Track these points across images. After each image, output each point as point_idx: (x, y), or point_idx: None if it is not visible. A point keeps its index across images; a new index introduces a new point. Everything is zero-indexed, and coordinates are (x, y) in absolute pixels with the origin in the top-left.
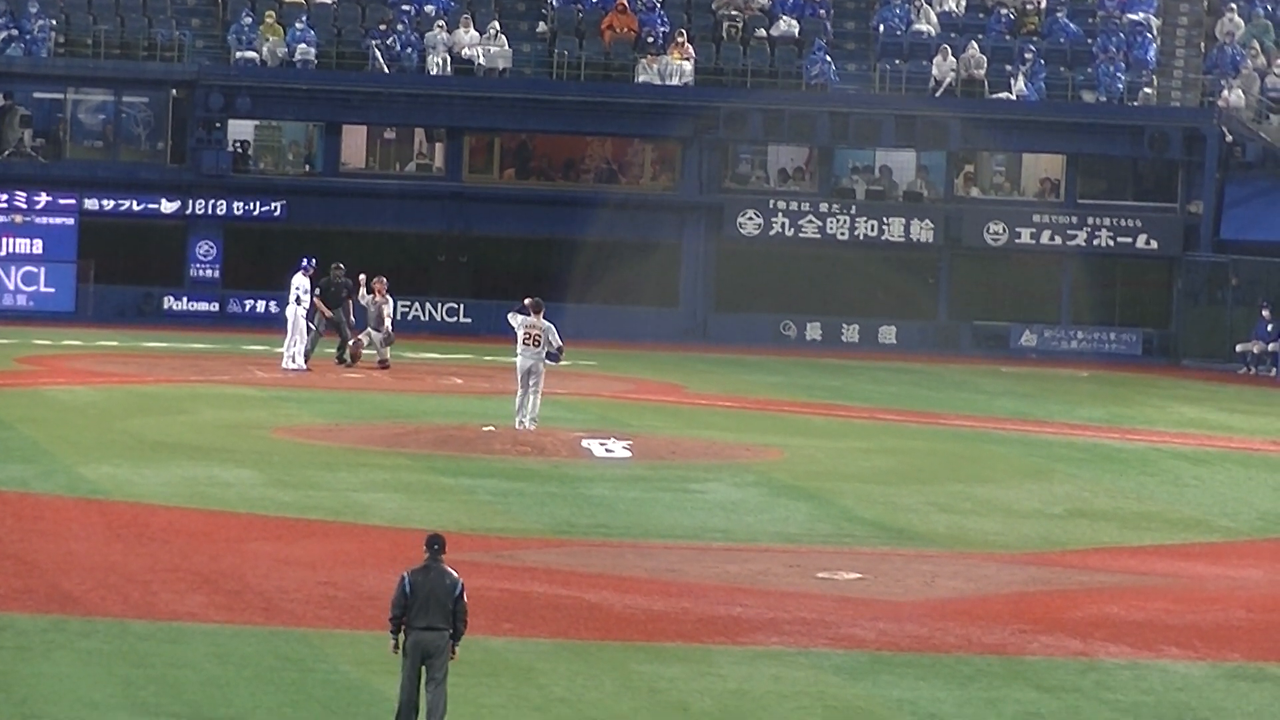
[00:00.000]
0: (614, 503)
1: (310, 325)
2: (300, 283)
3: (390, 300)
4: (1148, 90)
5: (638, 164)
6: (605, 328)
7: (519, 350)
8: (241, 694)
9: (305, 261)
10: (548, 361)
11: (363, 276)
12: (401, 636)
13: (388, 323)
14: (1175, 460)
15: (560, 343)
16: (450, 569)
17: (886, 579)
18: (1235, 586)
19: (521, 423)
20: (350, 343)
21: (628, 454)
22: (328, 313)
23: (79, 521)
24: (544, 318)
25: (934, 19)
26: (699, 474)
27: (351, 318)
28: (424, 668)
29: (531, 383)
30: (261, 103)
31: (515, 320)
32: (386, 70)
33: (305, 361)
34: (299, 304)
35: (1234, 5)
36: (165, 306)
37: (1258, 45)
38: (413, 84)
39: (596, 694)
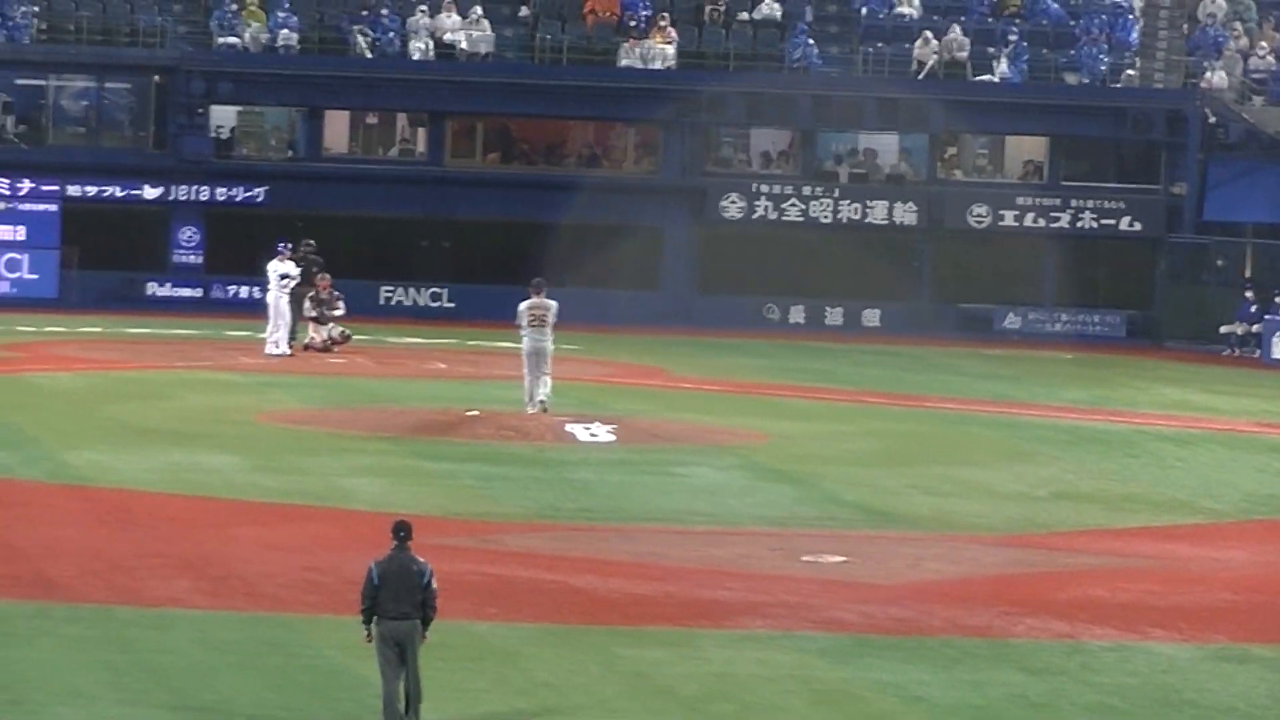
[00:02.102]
0: (598, 487)
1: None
2: (276, 268)
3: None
4: (1130, 72)
5: (620, 148)
6: (588, 311)
7: (524, 333)
8: (226, 680)
9: (280, 245)
10: None
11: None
12: (374, 626)
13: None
14: (1159, 442)
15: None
16: (417, 556)
17: (871, 562)
18: (1220, 568)
19: (535, 406)
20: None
21: (611, 438)
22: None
23: (63, 507)
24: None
25: (916, 2)
26: (682, 457)
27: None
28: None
29: (540, 365)
30: (244, 88)
31: (521, 307)
32: (369, 55)
33: (290, 346)
34: (281, 289)
35: None
36: (148, 292)
37: (1240, 26)
38: (395, 68)
39: (581, 678)
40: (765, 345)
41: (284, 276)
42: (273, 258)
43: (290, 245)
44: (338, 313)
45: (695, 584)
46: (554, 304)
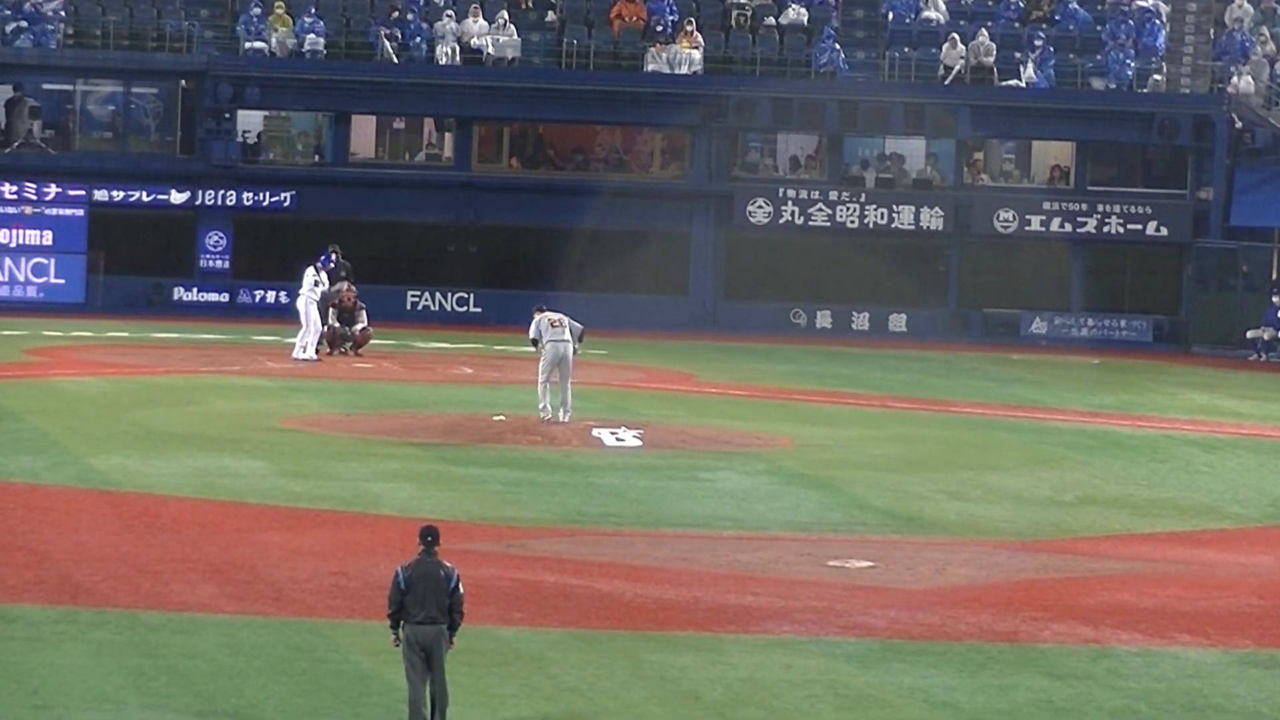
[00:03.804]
0: (624, 492)
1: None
2: (311, 274)
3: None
4: (1157, 77)
5: (647, 153)
6: (615, 317)
7: (546, 341)
8: (253, 684)
9: (324, 255)
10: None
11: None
12: (401, 631)
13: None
14: (1186, 447)
15: (581, 325)
16: (444, 561)
17: (897, 567)
18: (1247, 573)
19: (547, 411)
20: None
21: (638, 443)
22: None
23: (89, 512)
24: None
25: (943, 6)
26: (709, 462)
27: (350, 299)
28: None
29: (561, 373)
30: (270, 93)
31: (535, 321)
32: (395, 60)
33: (317, 351)
34: (311, 295)
35: None
36: (175, 297)
37: (1267, 31)
38: (422, 74)
39: (608, 683)
40: (792, 350)
41: (316, 284)
42: (311, 264)
43: (333, 257)
44: (358, 326)
45: (722, 589)
46: (566, 317)
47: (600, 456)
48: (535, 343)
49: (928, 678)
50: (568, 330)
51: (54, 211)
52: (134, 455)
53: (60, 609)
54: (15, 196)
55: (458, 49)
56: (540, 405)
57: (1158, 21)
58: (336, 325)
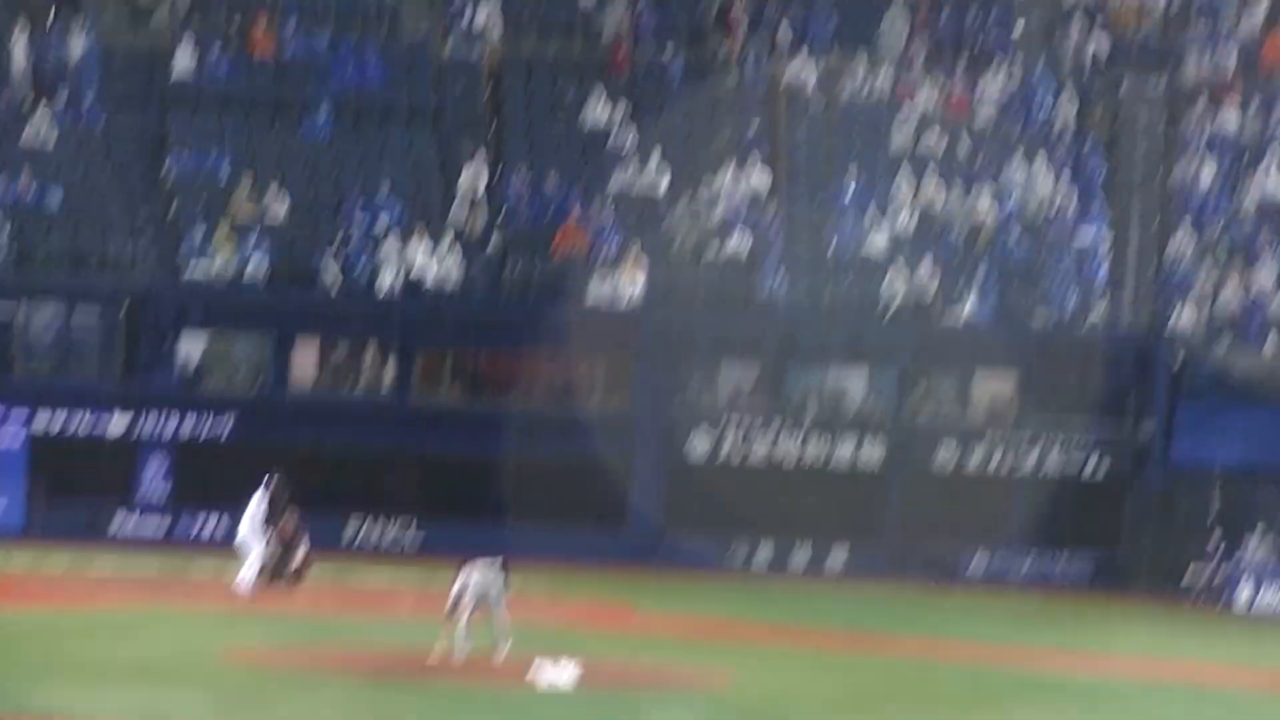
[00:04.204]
0: None
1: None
2: (257, 501)
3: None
4: (1099, 310)
5: (588, 381)
6: (554, 547)
7: (470, 583)
8: None
9: (266, 480)
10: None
11: None
12: None
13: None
14: (1125, 688)
15: (500, 556)
16: None
17: None
18: None
19: (464, 653)
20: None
21: (576, 679)
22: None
23: None
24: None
25: (885, 237)
26: (648, 700)
27: (290, 529)
28: None
29: (492, 609)
30: (212, 318)
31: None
32: (338, 286)
33: (258, 582)
34: (254, 523)
35: (1185, 226)
36: (116, 524)
37: (1208, 266)
38: (363, 300)
39: None
40: (732, 583)
41: (259, 513)
42: (254, 493)
43: (273, 485)
44: (299, 553)
45: None
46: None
47: (536, 694)
48: (454, 605)
49: None
50: (487, 568)
51: None
52: (72, 687)
53: None
54: None
55: (400, 275)
56: (458, 645)
57: (1099, 255)
58: (278, 554)
